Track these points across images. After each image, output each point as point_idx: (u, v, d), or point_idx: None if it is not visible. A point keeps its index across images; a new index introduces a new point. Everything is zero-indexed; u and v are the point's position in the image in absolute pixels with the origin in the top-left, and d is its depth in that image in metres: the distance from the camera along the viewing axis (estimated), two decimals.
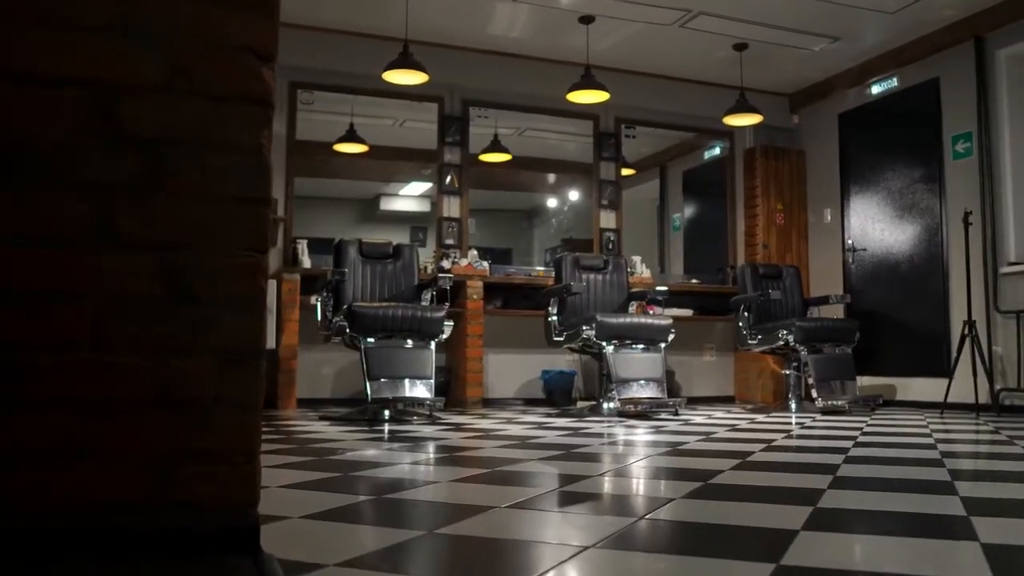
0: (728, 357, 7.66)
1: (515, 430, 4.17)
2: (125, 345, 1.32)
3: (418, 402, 4.63)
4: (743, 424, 4.68)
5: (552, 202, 8.72)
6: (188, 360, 1.36)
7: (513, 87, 7.07)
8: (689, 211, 8.63)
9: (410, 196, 8.04)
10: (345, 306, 4.79)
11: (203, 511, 1.33)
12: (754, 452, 3.12)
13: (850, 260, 7.27)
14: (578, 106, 6.87)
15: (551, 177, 8.44)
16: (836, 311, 7.05)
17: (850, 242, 7.28)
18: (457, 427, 4.33)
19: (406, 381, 4.69)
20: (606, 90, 6.16)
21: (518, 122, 7.63)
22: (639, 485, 2.37)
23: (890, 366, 6.76)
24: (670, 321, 5.43)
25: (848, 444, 3.47)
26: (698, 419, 5.08)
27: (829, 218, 7.55)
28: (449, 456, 3.05)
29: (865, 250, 7.15)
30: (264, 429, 4.04)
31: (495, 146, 7.40)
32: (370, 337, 4.75)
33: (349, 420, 4.65)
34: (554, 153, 8.37)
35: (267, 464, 2.61)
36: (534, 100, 7.19)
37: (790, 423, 4.78)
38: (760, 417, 5.30)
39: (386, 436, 3.81)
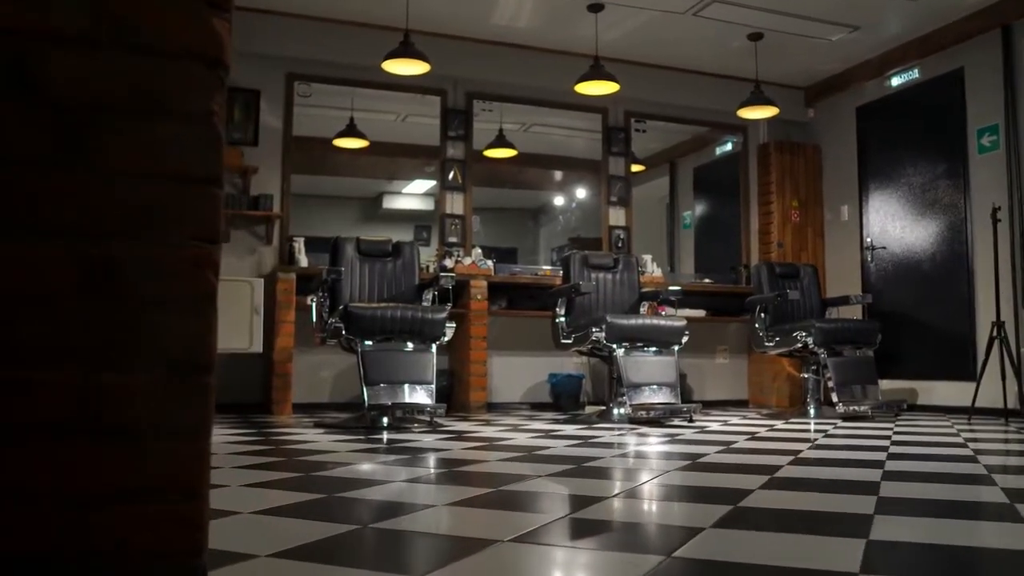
0: (741, 359, 7.39)
1: (521, 439, 3.91)
2: (37, 356, 1.07)
3: (418, 409, 4.37)
4: (762, 432, 4.42)
5: (559, 200, 8.45)
6: (117, 375, 1.10)
7: (519, 79, 6.81)
8: (700, 209, 8.36)
9: (413, 194, 7.79)
10: (341, 307, 4.54)
11: (133, 563, 1.08)
12: (782, 466, 2.86)
13: (869, 259, 6.99)
14: (586, 99, 6.61)
15: (558, 174, 8.19)
16: (854, 312, 6.78)
17: (869, 240, 7.00)
18: (459, 435, 4.08)
19: (405, 386, 4.43)
20: (616, 81, 5.89)
21: (524, 117, 7.38)
22: (661, 510, 2.11)
23: (911, 369, 6.48)
24: (684, 322, 5.16)
25: (881, 456, 3.20)
26: (714, 426, 4.82)
27: (847, 215, 7.27)
28: (449, 472, 2.79)
29: (885, 248, 6.87)
30: (252, 438, 3.79)
31: (500, 141, 7.15)
32: (367, 339, 4.50)
33: (345, 428, 4.39)
34: (561, 150, 8.11)
35: (244, 483, 2.35)
36: (540, 93, 6.93)
37: (813, 431, 4.51)
38: (779, 424, 5.04)
39: (382, 447, 3.55)
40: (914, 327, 6.48)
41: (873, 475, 2.62)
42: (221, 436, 3.90)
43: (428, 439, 3.85)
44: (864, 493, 2.24)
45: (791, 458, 3.13)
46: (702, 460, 3.06)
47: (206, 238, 1.17)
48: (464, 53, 6.56)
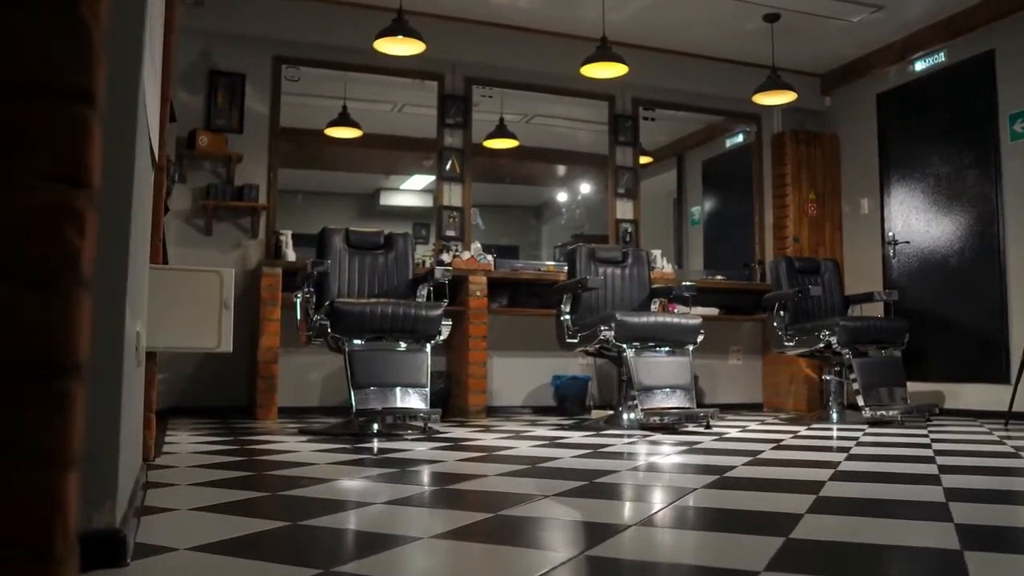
0: (755, 360, 7.01)
1: (523, 448, 3.54)
2: None
3: (411, 414, 3.99)
4: (787, 439, 4.04)
5: (562, 196, 8.08)
6: None
7: (520, 64, 6.43)
8: (709, 204, 7.98)
9: (412, 190, 7.43)
10: (327, 302, 4.16)
11: None
12: (824, 482, 2.48)
13: (891, 254, 6.61)
14: (592, 85, 6.24)
15: (560, 169, 7.81)
16: (876, 309, 6.39)
17: (891, 234, 6.62)
18: (455, 444, 3.70)
19: (397, 390, 4.06)
20: (624, 63, 5.51)
21: (526, 106, 7.01)
22: (697, 544, 1.73)
23: (937, 371, 6.09)
24: (699, 320, 4.78)
25: (930, 468, 2.83)
26: (732, 433, 4.44)
27: (867, 208, 6.89)
28: (442, 491, 2.41)
29: (908, 243, 6.49)
30: (225, 447, 3.40)
31: (501, 131, 6.77)
32: (356, 339, 4.12)
33: (331, 435, 4.02)
34: (564, 143, 7.74)
35: (196, 506, 1.98)
36: (544, 79, 6.56)
37: (842, 438, 4.13)
38: (801, 430, 4.66)
39: (369, 458, 3.18)
40: (940, 326, 6.10)
41: (935, 494, 2.24)
42: (191, 444, 3.52)
43: (421, 448, 3.47)
44: (937, 519, 1.86)
45: (830, 471, 2.75)
46: (730, 475, 2.68)
47: (67, 178, 0.80)
48: (462, 35, 6.19)
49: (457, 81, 6.41)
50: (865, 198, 6.91)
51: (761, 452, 3.41)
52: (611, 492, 2.37)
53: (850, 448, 3.61)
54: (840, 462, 3.05)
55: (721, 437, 4.15)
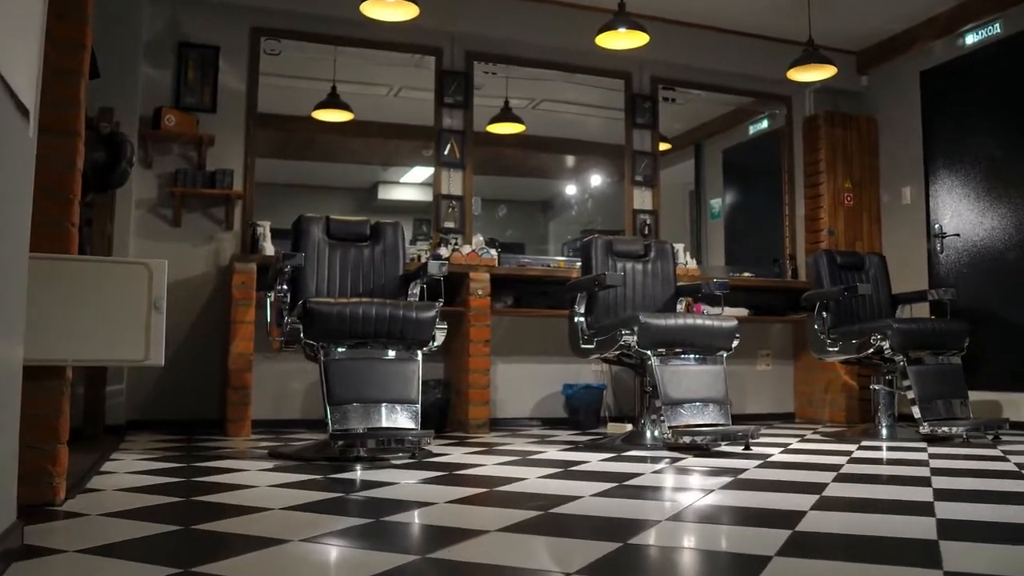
0: (786, 366, 6.38)
1: (531, 480, 2.91)
2: None
3: (398, 437, 3.35)
4: (844, 464, 3.41)
5: (571, 189, 7.43)
6: None
7: (528, 37, 5.81)
8: (731, 195, 7.34)
9: (412, 184, 6.79)
10: (300, 302, 3.54)
11: None
12: (936, 542, 1.85)
13: (938, 248, 5.96)
14: (607, 60, 5.65)
15: (569, 160, 7.17)
16: (921, 310, 5.75)
17: (937, 226, 5.98)
18: (450, 473, 3.08)
19: (382, 407, 3.43)
20: (645, 31, 4.88)
21: (532, 91, 6.39)
22: None
23: (993, 378, 5.44)
24: (735, 323, 4.15)
25: None
26: (775, 454, 3.81)
27: (909, 198, 6.25)
28: (423, 563, 1.78)
29: (958, 235, 5.85)
30: (166, 478, 2.57)
31: (506, 115, 6.15)
32: (336, 345, 3.50)
33: (305, 460, 3.40)
34: (575, 131, 7.11)
35: None
36: (554, 54, 5.94)
37: (907, 462, 3.49)
38: (853, 449, 4.03)
39: (341, 496, 2.56)
40: (996, 328, 5.45)
41: None
42: (128, 476, 2.90)
43: (408, 481, 2.85)
44: None
45: (931, 520, 2.12)
46: (805, 528, 2.04)
47: None
48: (463, 4, 5.56)
49: (457, 56, 5.78)
50: (907, 187, 6.26)
51: (824, 486, 2.77)
52: (656, 567, 1.74)
53: (928, 478, 2.97)
54: (932, 503, 2.42)
55: (765, 461, 3.52)
